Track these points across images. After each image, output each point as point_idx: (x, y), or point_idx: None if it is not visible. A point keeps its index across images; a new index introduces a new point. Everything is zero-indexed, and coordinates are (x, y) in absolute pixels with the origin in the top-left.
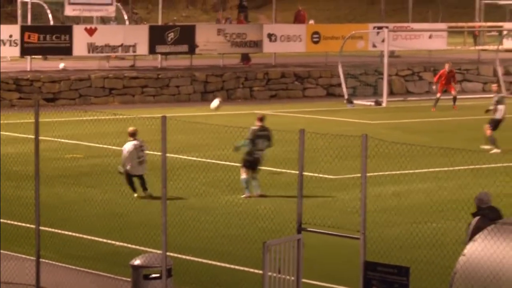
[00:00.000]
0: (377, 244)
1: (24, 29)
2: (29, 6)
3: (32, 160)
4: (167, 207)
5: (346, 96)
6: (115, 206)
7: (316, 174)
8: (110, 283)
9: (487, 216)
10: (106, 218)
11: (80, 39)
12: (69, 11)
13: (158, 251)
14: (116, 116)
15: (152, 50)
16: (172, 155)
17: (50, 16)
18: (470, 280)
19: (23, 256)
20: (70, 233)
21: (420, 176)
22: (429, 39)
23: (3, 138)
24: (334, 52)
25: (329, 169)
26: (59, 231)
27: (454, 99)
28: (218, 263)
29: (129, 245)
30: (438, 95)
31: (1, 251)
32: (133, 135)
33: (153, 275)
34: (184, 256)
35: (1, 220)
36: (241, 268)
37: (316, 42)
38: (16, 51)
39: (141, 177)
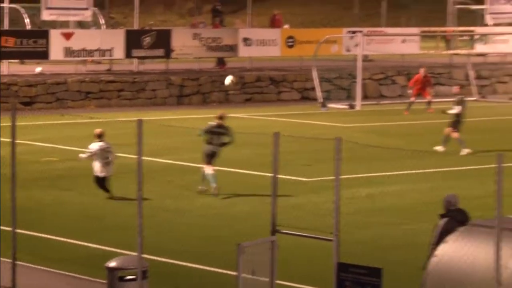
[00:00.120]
0: (350, 246)
1: (1, 34)
2: (6, 10)
3: (8, 163)
4: (143, 209)
5: (320, 100)
6: (91, 209)
7: (290, 177)
8: (86, 285)
9: (454, 217)
10: (82, 221)
11: (56, 44)
12: (46, 15)
13: (134, 253)
14: (92, 119)
15: (128, 54)
16: (148, 158)
17: (27, 20)
18: (441, 281)
19: None
20: (46, 235)
21: (392, 178)
22: (402, 43)
23: None
24: (308, 56)
25: (303, 171)
26: (36, 233)
27: (429, 102)
28: (193, 265)
29: (105, 247)
30: (412, 99)
31: None
32: (99, 136)
33: (129, 277)
34: (159, 258)
35: None
36: (216, 269)
37: (290, 46)
38: None
39: (105, 179)
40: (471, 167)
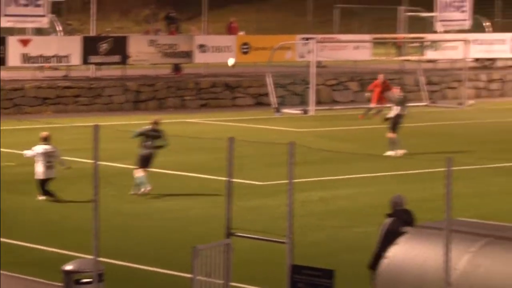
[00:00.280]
0: (304, 248)
1: None
2: None
3: None
4: (99, 213)
5: (274, 105)
6: (48, 213)
7: (245, 181)
8: None
9: (400, 217)
10: (39, 224)
11: (14, 50)
12: (3, 22)
13: (90, 257)
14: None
15: (85, 61)
16: (104, 163)
17: None
18: (392, 282)
19: None
20: (3, 239)
21: (345, 182)
22: (354, 50)
23: None
24: (263, 62)
25: (258, 175)
26: None
27: (379, 110)
28: (149, 268)
29: (62, 251)
30: (372, 105)
31: None
32: (45, 139)
33: (85, 280)
34: (116, 261)
35: None
36: (172, 272)
37: (245, 53)
38: None
39: (47, 181)
40: (421, 170)
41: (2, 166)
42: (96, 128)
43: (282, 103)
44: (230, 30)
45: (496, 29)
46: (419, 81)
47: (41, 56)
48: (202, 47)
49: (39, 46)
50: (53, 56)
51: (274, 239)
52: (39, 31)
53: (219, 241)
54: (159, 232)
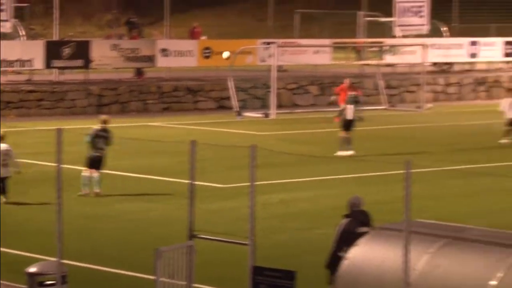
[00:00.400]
0: (266, 250)
1: None
2: None
3: None
4: (63, 216)
5: (236, 109)
6: (11, 215)
7: (207, 183)
8: None
9: (356, 218)
10: (2, 227)
11: None
12: None
13: (54, 259)
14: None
15: (48, 65)
16: (67, 166)
17: None
18: (352, 283)
19: None
20: None
21: (306, 184)
22: (314, 54)
23: None
24: (224, 66)
25: (220, 178)
26: None
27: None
28: (112, 270)
29: (25, 253)
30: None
31: None
32: (1, 138)
33: (48, 282)
34: (79, 263)
35: None
36: (135, 274)
37: (207, 57)
38: None
39: (3, 180)
40: (381, 173)
41: None
42: (59, 131)
43: (244, 107)
44: (193, 35)
45: (454, 34)
46: (378, 85)
47: (4, 60)
48: (164, 52)
49: (2, 51)
50: (16, 60)
51: (236, 241)
52: (2, 36)
53: (182, 243)
54: (122, 234)
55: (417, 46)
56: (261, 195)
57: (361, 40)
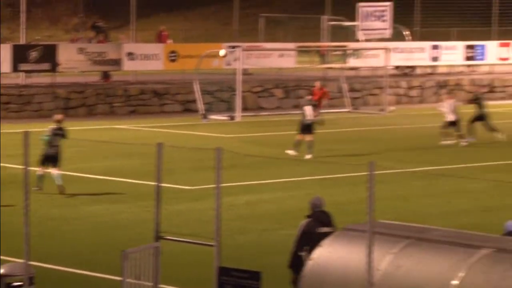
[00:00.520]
0: (231, 250)
1: None
2: None
3: None
4: (30, 218)
5: (202, 112)
6: None
7: (173, 185)
8: None
9: (318, 219)
10: None
11: None
12: None
13: (21, 260)
14: None
15: (15, 68)
16: (34, 168)
17: None
18: (317, 283)
19: None
20: None
21: (271, 186)
22: (279, 57)
23: None
24: (190, 70)
25: (186, 180)
26: None
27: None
28: (80, 271)
29: None
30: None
31: None
32: None
33: (16, 284)
34: (46, 265)
35: None
36: (102, 275)
37: (173, 61)
38: None
39: None
40: (345, 174)
41: None
42: (26, 134)
43: (209, 110)
44: (160, 38)
45: (416, 38)
46: (342, 88)
47: None
48: (130, 55)
49: None
50: None
51: (202, 242)
52: None
53: (148, 244)
54: (89, 236)
55: (380, 50)
56: (227, 196)
57: (325, 44)
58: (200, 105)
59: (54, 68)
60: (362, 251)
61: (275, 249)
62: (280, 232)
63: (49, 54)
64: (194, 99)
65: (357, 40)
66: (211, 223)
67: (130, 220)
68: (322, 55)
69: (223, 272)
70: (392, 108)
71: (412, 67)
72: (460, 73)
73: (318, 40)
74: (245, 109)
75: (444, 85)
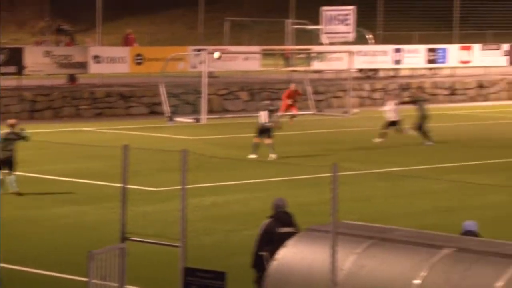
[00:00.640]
0: (197, 251)
1: None
2: None
3: None
4: None
5: (168, 114)
6: None
7: (139, 187)
8: None
9: (279, 219)
10: None
11: None
12: None
13: None
14: None
15: None
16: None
17: None
18: (281, 283)
19: None
20: None
21: (236, 187)
22: (244, 61)
23: None
24: (156, 73)
25: (152, 182)
26: None
27: (293, 116)
28: (46, 272)
29: None
30: (280, 112)
31: None
32: None
33: None
34: (12, 266)
35: None
36: (68, 276)
37: (139, 64)
38: None
39: None
40: (309, 176)
41: None
42: None
43: (175, 112)
44: (127, 42)
45: (378, 41)
46: (306, 91)
47: None
48: (96, 58)
49: None
50: None
51: (168, 243)
52: None
53: (114, 245)
54: (55, 237)
55: (344, 53)
56: (193, 198)
57: (289, 47)
58: (166, 108)
59: (20, 71)
60: (326, 251)
61: (240, 249)
62: (245, 233)
63: (15, 57)
64: (160, 101)
65: (321, 44)
66: (177, 224)
67: (96, 221)
68: (286, 58)
69: (189, 272)
70: (355, 110)
71: (375, 70)
72: (422, 75)
73: (282, 44)
74: (210, 111)
75: (406, 87)
